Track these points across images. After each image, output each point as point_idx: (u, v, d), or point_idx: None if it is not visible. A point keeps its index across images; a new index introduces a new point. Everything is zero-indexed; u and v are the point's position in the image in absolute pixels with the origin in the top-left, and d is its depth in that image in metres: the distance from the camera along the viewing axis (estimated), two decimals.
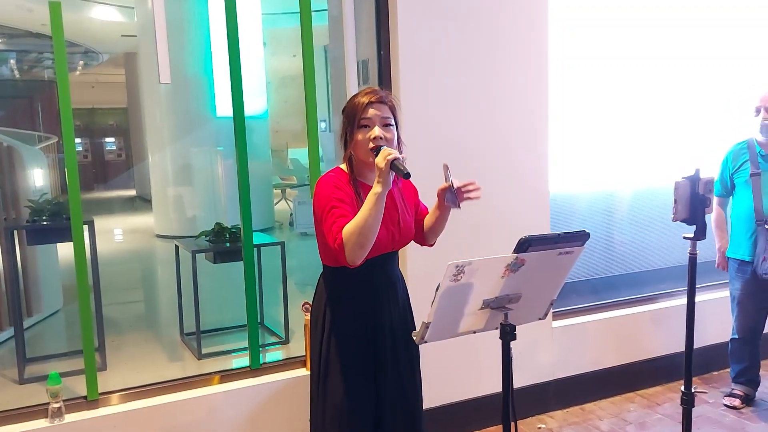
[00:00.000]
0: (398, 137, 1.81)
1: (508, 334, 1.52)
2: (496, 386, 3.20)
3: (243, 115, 2.92)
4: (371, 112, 1.75)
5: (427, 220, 1.96)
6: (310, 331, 1.94)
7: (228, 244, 3.43)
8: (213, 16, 7.39)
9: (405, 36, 3.00)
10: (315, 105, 3.01)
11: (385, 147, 1.70)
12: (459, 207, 1.78)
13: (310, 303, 3.03)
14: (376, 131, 1.73)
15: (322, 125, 12.22)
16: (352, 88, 3.13)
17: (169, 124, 7.73)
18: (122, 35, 10.46)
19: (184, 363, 3.30)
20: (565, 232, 1.44)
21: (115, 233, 8.66)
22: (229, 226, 3.52)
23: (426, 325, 1.45)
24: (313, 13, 3.02)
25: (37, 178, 4.06)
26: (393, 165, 1.63)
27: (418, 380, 1.94)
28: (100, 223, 10.07)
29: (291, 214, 8.48)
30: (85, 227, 2.97)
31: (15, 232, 3.13)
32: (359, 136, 1.75)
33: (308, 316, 3.05)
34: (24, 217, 3.48)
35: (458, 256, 3.15)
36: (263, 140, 8.05)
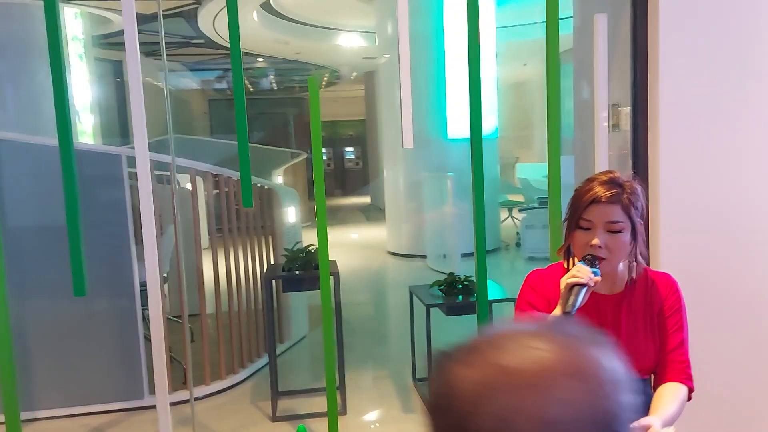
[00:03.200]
0: (636, 242, 1.49)
1: None
2: None
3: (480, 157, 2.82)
4: (594, 213, 1.46)
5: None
6: None
7: (460, 297, 3.38)
8: (448, 35, 7.42)
9: (666, 76, 2.65)
10: (558, 121, 2.80)
11: (581, 264, 1.44)
12: None
13: None
14: (596, 240, 1.45)
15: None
16: (602, 126, 2.85)
17: (400, 142, 8.02)
18: (363, 57, 11.19)
19: (417, 417, 3.32)
20: None
21: (349, 246, 9.27)
22: (462, 277, 3.46)
23: None
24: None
25: (291, 215, 4.44)
26: (571, 289, 1.41)
27: None
28: (337, 232, 10.82)
29: (517, 233, 8.26)
30: (331, 278, 3.16)
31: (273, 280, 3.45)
32: (577, 237, 1.49)
33: None
34: (279, 262, 3.82)
35: (751, 340, 2.66)
36: (492, 160, 7.95)
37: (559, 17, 2.82)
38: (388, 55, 8.41)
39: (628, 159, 2.94)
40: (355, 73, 14.57)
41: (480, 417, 0.50)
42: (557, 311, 1.45)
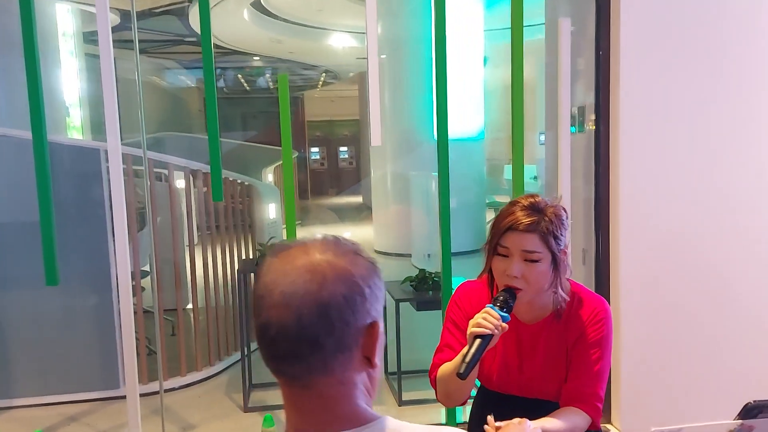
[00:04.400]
0: (558, 272, 1.43)
1: None
2: None
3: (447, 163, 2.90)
4: (511, 240, 1.40)
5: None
6: None
7: (430, 292, 3.46)
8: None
9: (626, 80, 2.73)
10: (522, 125, 2.89)
11: (490, 308, 1.37)
12: None
13: None
14: (511, 269, 1.40)
15: (542, 138, 11.84)
16: (565, 129, 2.93)
17: (390, 142, 8.09)
18: (357, 58, 11.27)
19: (386, 408, 3.40)
20: None
21: None
22: (433, 273, 3.53)
23: None
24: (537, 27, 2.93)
25: (271, 211, 4.52)
26: (473, 340, 1.35)
27: None
28: (329, 231, 10.96)
29: None
30: None
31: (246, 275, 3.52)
32: (496, 264, 1.44)
33: None
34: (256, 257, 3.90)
35: (697, 340, 2.74)
36: (479, 161, 8.04)
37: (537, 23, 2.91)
38: (384, 56, 8.49)
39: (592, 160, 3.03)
40: (351, 73, 14.66)
41: (258, 284, 0.81)
42: (465, 349, 1.37)
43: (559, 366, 1.51)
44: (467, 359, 1.34)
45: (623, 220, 2.79)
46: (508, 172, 11.49)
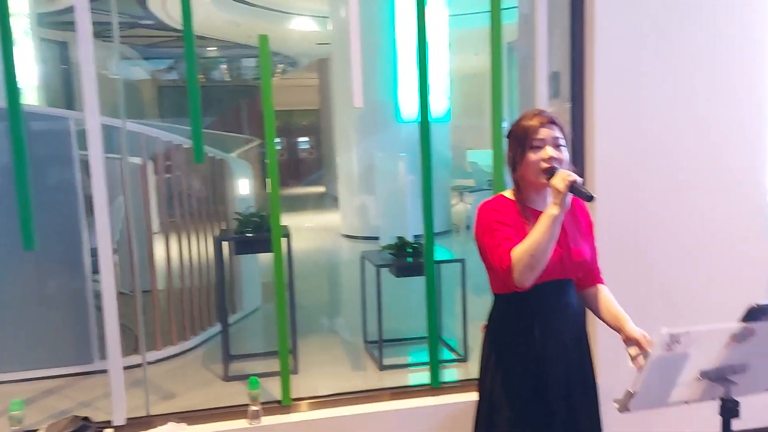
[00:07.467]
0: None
1: (730, 411, 1.32)
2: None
3: (429, 131, 2.92)
4: (543, 132, 1.70)
5: (605, 311, 1.84)
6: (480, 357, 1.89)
7: (410, 259, 3.48)
8: (399, 19, 7.55)
9: (601, 45, 2.80)
10: (501, 108, 2.93)
11: (561, 169, 1.65)
12: None
13: None
14: (549, 151, 1.68)
15: (505, 125, 12.01)
16: (542, 93, 2.97)
17: (355, 126, 8.07)
18: (317, 43, 11.19)
19: (367, 373, 3.42)
20: None
21: (304, 231, 9.29)
22: (411, 240, 3.56)
23: (630, 394, 1.31)
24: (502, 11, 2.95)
25: (243, 187, 4.46)
26: (573, 188, 1.59)
27: (597, 424, 1.82)
28: (292, 219, 10.86)
29: (467, 217, 8.45)
30: (284, 240, 3.21)
31: (224, 243, 3.47)
32: (531, 157, 1.70)
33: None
34: (232, 227, 3.85)
35: (665, 289, 2.83)
36: (444, 144, 8.10)
37: (505, 7, 2.95)
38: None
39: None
40: (307, 62, 14.54)
41: None
42: (552, 210, 1.58)
43: (581, 240, 1.79)
44: (585, 190, 1.58)
45: (599, 183, 2.85)
46: (470, 156, 11.64)
